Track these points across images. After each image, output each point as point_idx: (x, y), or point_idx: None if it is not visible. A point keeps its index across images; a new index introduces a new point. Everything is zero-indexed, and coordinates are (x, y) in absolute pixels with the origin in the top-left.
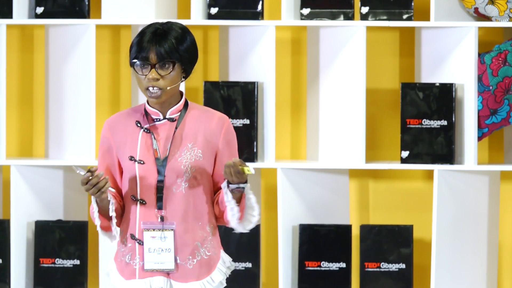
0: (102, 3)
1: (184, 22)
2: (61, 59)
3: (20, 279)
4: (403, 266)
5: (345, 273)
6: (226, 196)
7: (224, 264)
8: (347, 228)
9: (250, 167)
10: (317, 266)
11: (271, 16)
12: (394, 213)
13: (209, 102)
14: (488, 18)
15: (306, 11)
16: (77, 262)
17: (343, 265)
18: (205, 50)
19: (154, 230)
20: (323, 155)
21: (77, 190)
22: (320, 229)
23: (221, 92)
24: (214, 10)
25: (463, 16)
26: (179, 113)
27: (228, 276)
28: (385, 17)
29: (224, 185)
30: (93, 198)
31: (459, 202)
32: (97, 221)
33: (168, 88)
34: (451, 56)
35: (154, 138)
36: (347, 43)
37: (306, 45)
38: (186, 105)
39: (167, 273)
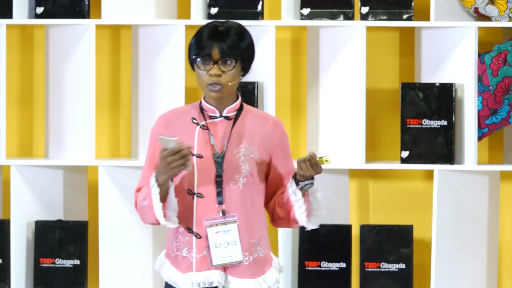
0: (102, 3)
1: (184, 22)
2: (61, 59)
3: (20, 279)
4: (403, 266)
5: (345, 273)
6: (295, 195)
7: (277, 266)
8: (347, 228)
9: (327, 156)
10: (317, 266)
11: (271, 16)
12: (394, 213)
13: None
14: (488, 18)
15: (306, 11)
16: (77, 262)
17: (343, 265)
18: None
19: (217, 225)
20: (323, 155)
21: (77, 190)
22: (320, 229)
23: None
24: (214, 10)
25: (463, 16)
26: (235, 112)
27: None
28: (385, 17)
29: (291, 184)
30: (153, 187)
31: (459, 202)
32: (159, 208)
33: (229, 84)
34: (451, 56)
35: (211, 134)
36: (347, 43)
37: (306, 45)
38: (241, 106)
39: (224, 268)
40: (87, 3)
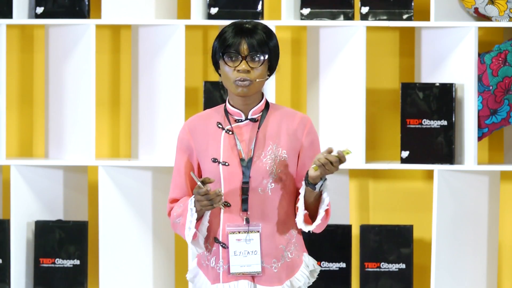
0: (102, 3)
1: (184, 22)
2: (61, 59)
3: (20, 279)
4: (403, 266)
5: (345, 273)
6: (301, 198)
7: (307, 268)
8: (347, 228)
9: (347, 148)
10: None
11: (271, 16)
12: (394, 213)
13: (209, 102)
14: (488, 18)
15: (306, 11)
16: (77, 262)
17: (343, 265)
18: (205, 50)
19: (239, 232)
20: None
21: (77, 190)
22: None
23: (221, 92)
24: (214, 10)
25: (463, 16)
26: (260, 113)
27: (313, 279)
28: (385, 17)
29: (303, 188)
30: (191, 211)
31: (459, 202)
32: (190, 232)
33: (257, 80)
34: (451, 56)
35: (237, 139)
36: (347, 43)
37: (306, 45)
38: (267, 105)
39: (252, 277)
40: (87, 3)
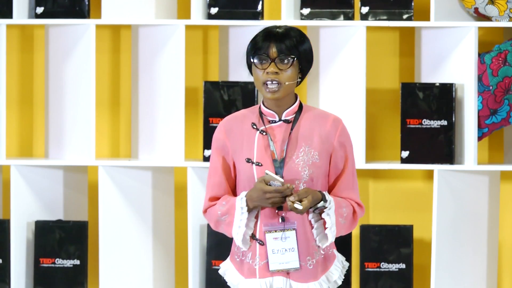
0: (102, 3)
1: (184, 22)
2: (61, 59)
3: (20, 279)
4: (403, 266)
5: (345, 273)
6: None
7: (341, 263)
8: None
9: (297, 204)
10: None
11: (271, 16)
12: (394, 213)
13: (209, 102)
14: (488, 18)
15: (306, 11)
16: (77, 262)
17: None
18: (205, 50)
19: (276, 231)
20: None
21: (77, 190)
22: None
23: (221, 92)
24: (214, 10)
25: (463, 16)
26: (294, 115)
27: (343, 274)
28: (385, 17)
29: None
30: (242, 209)
31: (459, 202)
32: (241, 230)
33: (286, 83)
34: (451, 56)
35: (271, 140)
36: (347, 43)
37: None
38: (300, 107)
39: (287, 273)
40: (87, 3)
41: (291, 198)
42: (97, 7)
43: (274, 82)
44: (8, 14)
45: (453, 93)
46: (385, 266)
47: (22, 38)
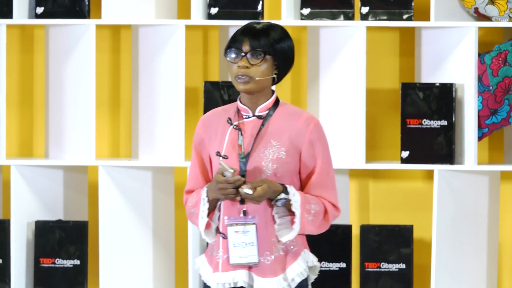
0: (102, 3)
1: (184, 22)
2: (61, 59)
3: (20, 279)
4: (403, 266)
5: (345, 273)
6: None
7: (305, 263)
8: (347, 228)
9: (246, 189)
10: None
11: (271, 16)
12: (394, 213)
13: (209, 102)
14: (488, 18)
15: (306, 11)
16: (77, 262)
17: (343, 265)
18: (205, 50)
19: (237, 224)
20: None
21: (77, 190)
22: None
23: (221, 92)
24: (214, 10)
25: (463, 16)
26: (268, 111)
27: (314, 276)
28: (385, 17)
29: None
30: (203, 200)
31: (459, 202)
32: (203, 221)
33: (257, 78)
34: (451, 56)
35: (241, 134)
36: (347, 43)
37: (306, 45)
38: (276, 104)
39: (249, 267)
40: (87, 3)
41: (245, 186)
42: (97, 7)
43: (244, 75)
44: (8, 14)
45: (453, 93)
46: (385, 266)
47: (22, 38)
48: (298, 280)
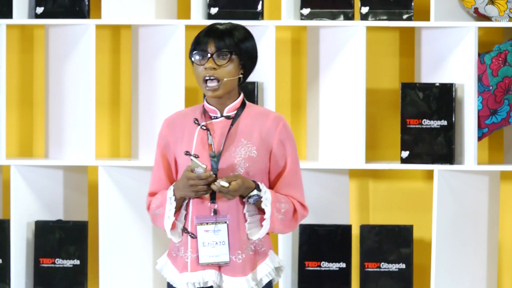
0: (102, 3)
1: (184, 22)
2: (61, 59)
3: (20, 279)
4: (403, 266)
5: (345, 273)
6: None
7: (272, 263)
8: (347, 228)
9: (223, 182)
10: (317, 266)
11: (271, 16)
12: (394, 213)
13: None
14: (488, 18)
15: (306, 11)
16: (77, 262)
17: (343, 265)
18: None
19: (207, 223)
20: (323, 155)
21: (77, 190)
22: (320, 229)
23: None
24: (214, 10)
25: (463, 16)
26: (236, 111)
27: (278, 278)
28: (385, 17)
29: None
30: (170, 199)
31: (459, 202)
32: (170, 220)
33: (225, 79)
34: (451, 56)
35: (210, 134)
36: (347, 43)
37: (306, 45)
38: (244, 104)
39: (219, 267)
40: (87, 3)
41: (220, 180)
42: (97, 7)
43: (212, 78)
44: (8, 14)
45: (453, 93)
46: (385, 266)
47: (22, 38)
48: (266, 280)
